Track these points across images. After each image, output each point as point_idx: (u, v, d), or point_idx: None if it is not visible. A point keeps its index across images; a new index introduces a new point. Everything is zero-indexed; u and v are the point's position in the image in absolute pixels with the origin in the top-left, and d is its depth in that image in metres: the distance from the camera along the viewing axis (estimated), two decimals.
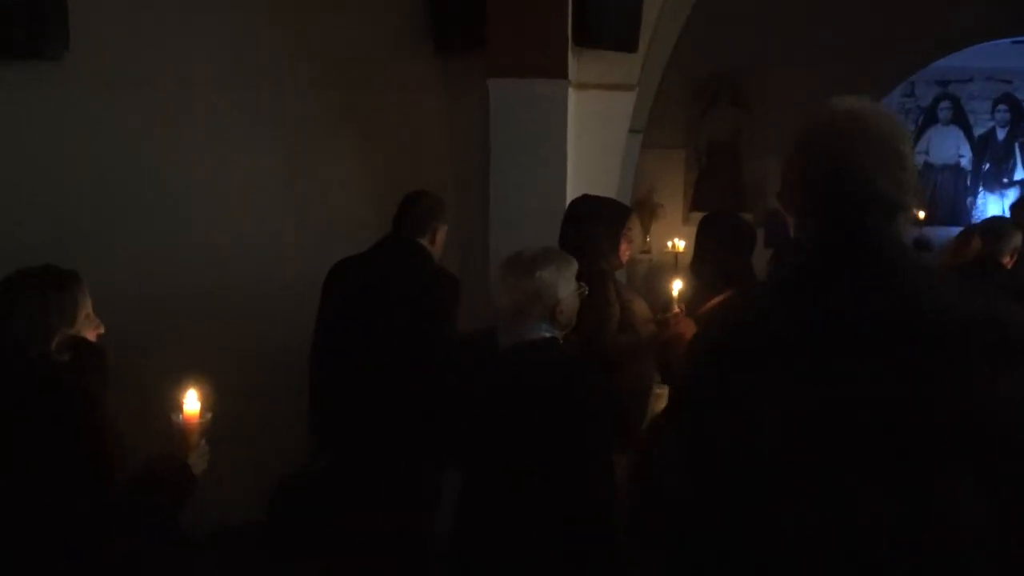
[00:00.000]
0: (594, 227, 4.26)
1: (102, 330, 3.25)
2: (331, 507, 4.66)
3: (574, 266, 3.57)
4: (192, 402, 3.13)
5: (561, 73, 4.90)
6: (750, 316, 1.99)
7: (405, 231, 4.68)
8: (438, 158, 5.70)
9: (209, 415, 3.17)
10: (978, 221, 11.01)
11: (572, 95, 5.00)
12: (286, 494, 4.79)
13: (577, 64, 5.03)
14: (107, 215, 5.82)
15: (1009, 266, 6.06)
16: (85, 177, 5.83)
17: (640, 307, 4.46)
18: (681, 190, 11.30)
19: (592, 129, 5.12)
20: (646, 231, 11.27)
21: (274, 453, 5.02)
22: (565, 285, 3.47)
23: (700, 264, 4.62)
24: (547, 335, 3.43)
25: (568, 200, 4.87)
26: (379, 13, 5.80)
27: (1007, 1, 9.99)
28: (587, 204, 4.40)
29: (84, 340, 3.18)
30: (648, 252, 11.18)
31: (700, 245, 4.74)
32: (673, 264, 10.00)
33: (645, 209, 11.16)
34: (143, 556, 3.12)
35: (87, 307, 3.19)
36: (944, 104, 12.60)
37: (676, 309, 4.19)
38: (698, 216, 10.97)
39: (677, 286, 4.24)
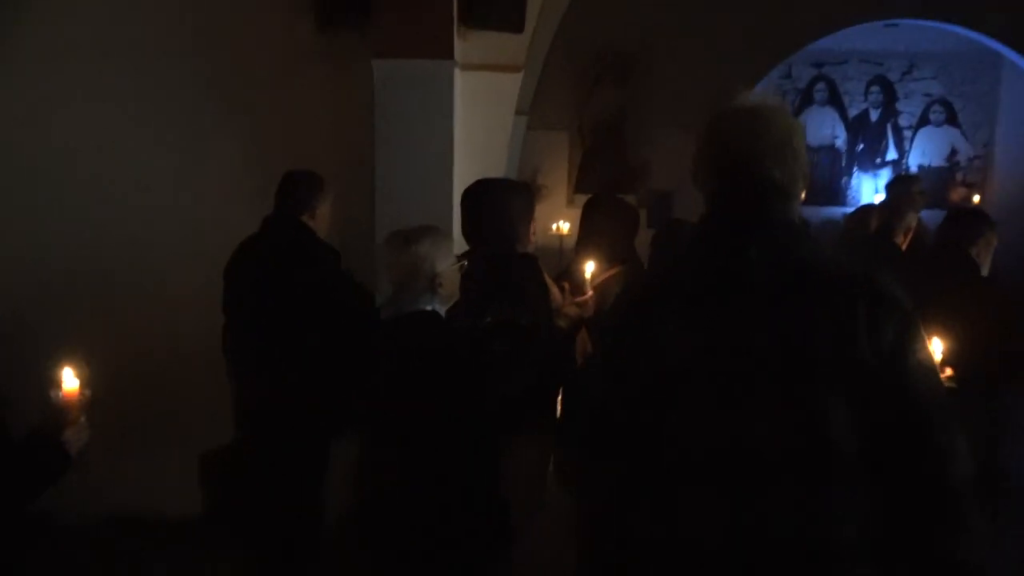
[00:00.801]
0: (507, 211, 4.15)
1: None
2: (249, 481, 4.77)
3: (451, 241, 3.74)
4: (69, 378, 3.10)
5: (447, 53, 4.89)
6: (667, 272, 2.49)
7: (286, 209, 4.81)
8: (324, 135, 5.62)
9: (88, 392, 3.14)
10: (868, 201, 11.33)
11: (458, 75, 4.98)
12: (212, 470, 4.86)
13: (463, 44, 5.01)
14: None
15: (903, 245, 6.15)
16: None
17: (555, 290, 4.45)
18: (565, 172, 11.32)
19: (478, 110, 5.09)
20: None
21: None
22: (443, 258, 3.61)
23: (586, 245, 4.64)
24: (428, 308, 3.57)
25: (454, 182, 4.87)
26: None
27: None
28: (494, 188, 4.27)
29: None
30: (533, 234, 11.18)
31: (587, 226, 4.77)
32: (558, 246, 10.04)
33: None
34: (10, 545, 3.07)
35: None
36: (820, 86, 12.85)
37: (589, 291, 4.00)
38: (582, 198, 11.05)
39: (590, 268, 4.20)
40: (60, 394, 3.10)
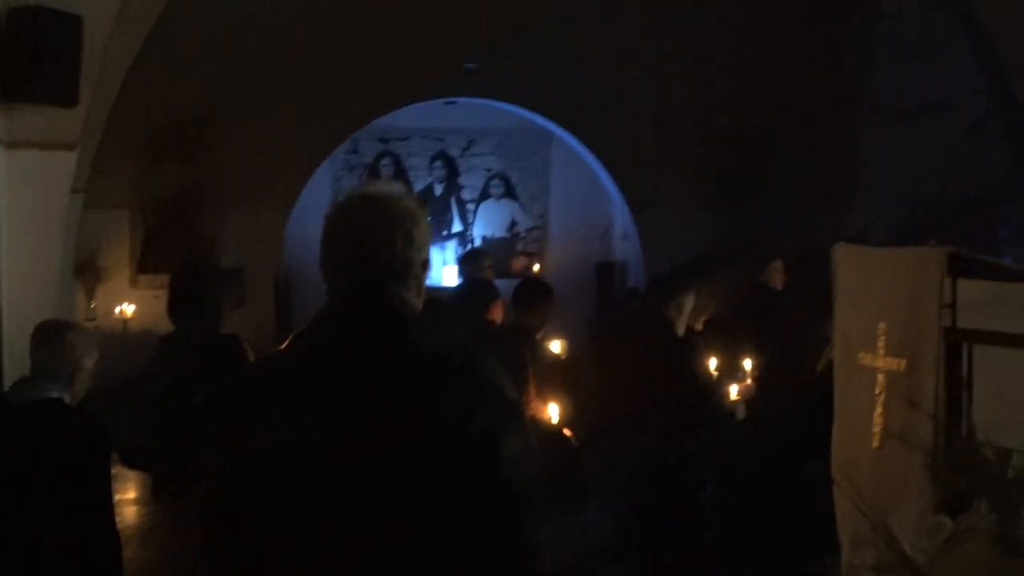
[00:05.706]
0: (215, 294, 4.47)
1: None
2: None
3: (96, 342, 3.95)
4: None
5: None
6: (279, 355, 2.48)
7: None
8: None
9: None
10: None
11: (3, 155, 4.58)
12: None
13: (9, 121, 4.59)
14: None
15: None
16: None
17: None
18: (128, 251, 10.80)
19: (29, 190, 4.69)
20: (90, 296, 10.62)
21: None
22: (90, 355, 3.82)
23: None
24: (54, 396, 3.70)
25: (3, 265, 4.49)
26: None
27: (439, 66, 10.63)
28: (202, 273, 4.85)
29: None
30: (94, 319, 10.52)
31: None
32: (122, 330, 9.51)
33: (89, 273, 10.52)
34: None
35: None
36: (386, 161, 13.17)
37: None
38: (147, 279, 10.64)
39: None
40: None
